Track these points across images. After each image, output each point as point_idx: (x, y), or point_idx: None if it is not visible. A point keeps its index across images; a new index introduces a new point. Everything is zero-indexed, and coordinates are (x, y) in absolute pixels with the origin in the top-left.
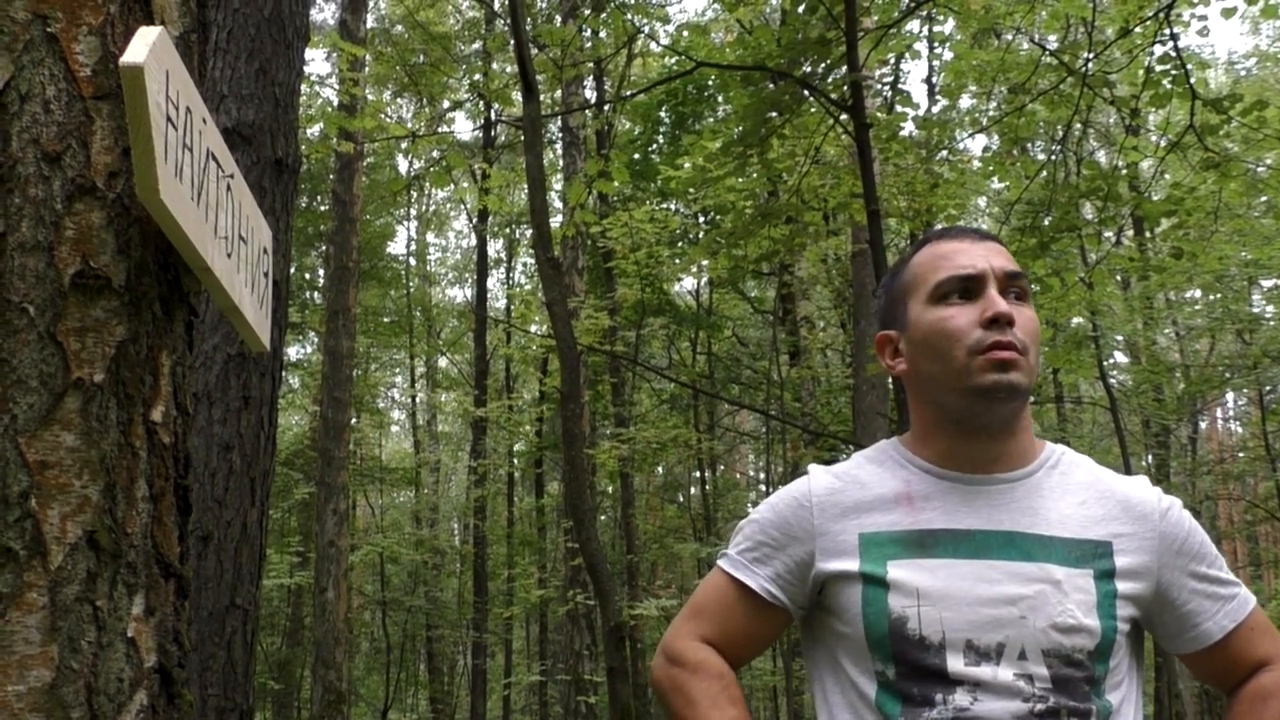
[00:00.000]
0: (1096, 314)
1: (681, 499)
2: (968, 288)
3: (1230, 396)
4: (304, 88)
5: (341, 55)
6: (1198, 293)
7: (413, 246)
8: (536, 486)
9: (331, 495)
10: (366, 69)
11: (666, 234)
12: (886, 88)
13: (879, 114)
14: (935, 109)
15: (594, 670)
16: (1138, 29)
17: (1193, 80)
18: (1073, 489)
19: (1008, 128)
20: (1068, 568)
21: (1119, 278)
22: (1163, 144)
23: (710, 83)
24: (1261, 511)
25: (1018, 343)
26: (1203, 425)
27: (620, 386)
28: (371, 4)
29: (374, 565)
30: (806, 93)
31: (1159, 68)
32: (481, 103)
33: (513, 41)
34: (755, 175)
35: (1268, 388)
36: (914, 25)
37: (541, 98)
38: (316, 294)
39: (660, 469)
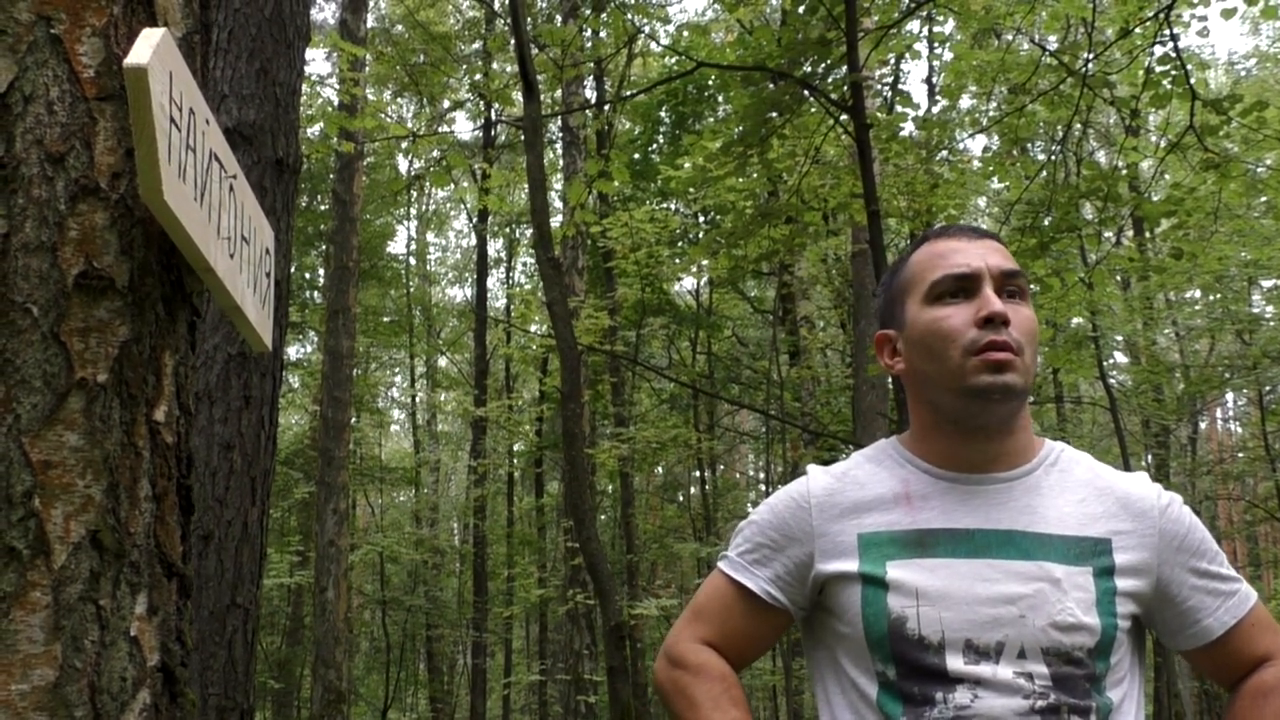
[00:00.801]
0: (1096, 314)
1: (681, 499)
2: (964, 287)
3: (1230, 397)
4: (304, 87)
5: (342, 55)
6: (1197, 293)
7: (413, 246)
8: (536, 486)
9: (331, 495)
10: (367, 69)
11: (666, 234)
12: (887, 88)
13: (879, 114)
14: (935, 109)
15: (594, 670)
16: (1138, 29)
17: (1193, 81)
18: (1072, 487)
19: (1008, 128)
20: (1067, 565)
21: (1119, 278)
22: (1163, 144)
23: (710, 83)
24: (1261, 512)
25: (1013, 342)
26: (1202, 425)
27: (620, 386)
28: (372, 4)
29: (374, 565)
30: (807, 93)
31: (1159, 68)
32: (482, 102)
33: (513, 41)
34: (755, 175)
35: (1267, 388)
36: (914, 25)
37: (542, 98)
38: (317, 293)
39: (660, 469)
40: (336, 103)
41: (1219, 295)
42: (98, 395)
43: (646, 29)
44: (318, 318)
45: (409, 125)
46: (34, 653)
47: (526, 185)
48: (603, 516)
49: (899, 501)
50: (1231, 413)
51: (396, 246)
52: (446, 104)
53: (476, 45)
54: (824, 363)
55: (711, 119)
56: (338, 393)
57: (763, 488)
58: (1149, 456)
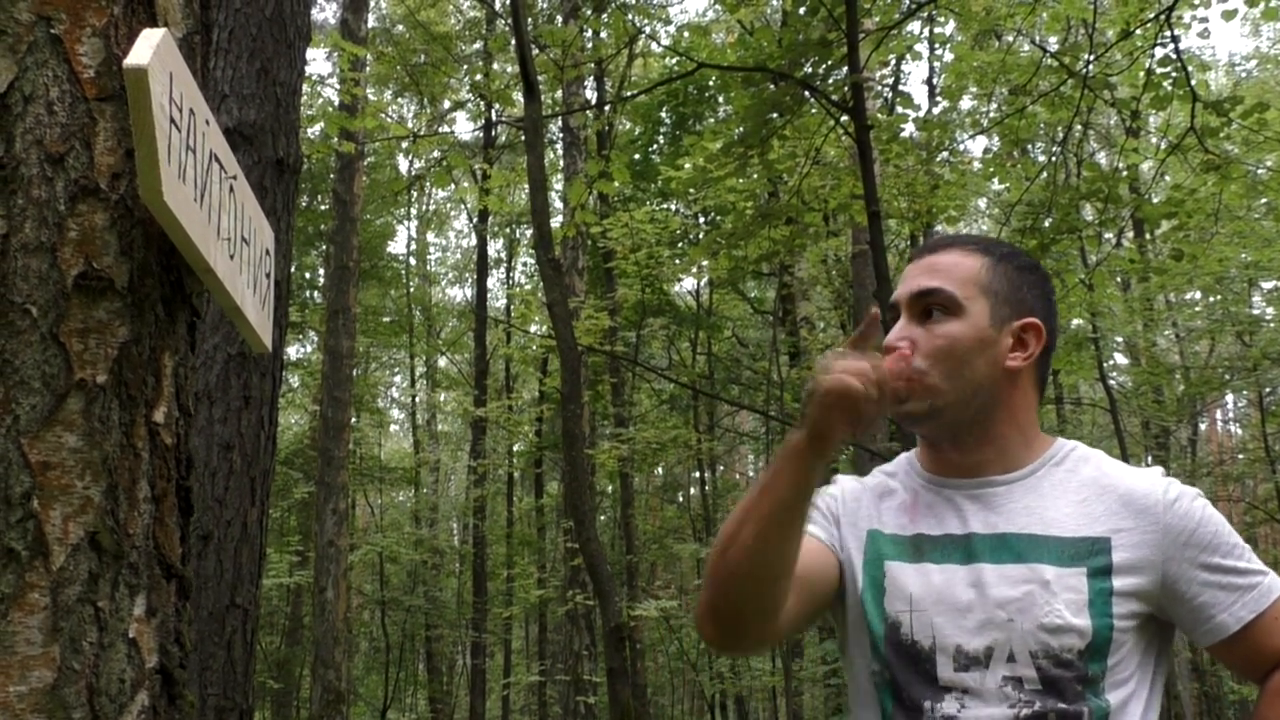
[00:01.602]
0: (1097, 315)
1: (681, 499)
2: (894, 316)
3: (1230, 398)
4: (305, 87)
5: (343, 55)
6: (1198, 294)
7: (413, 246)
8: (536, 486)
9: (331, 495)
10: (367, 69)
11: (667, 234)
12: (887, 89)
13: (880, 115)
14: (936, 110)
15: (593, 670)
16: (1138, 31)
17: (1193, 82)
18: (1075, 486)
19: (1008, 129)
20: (1059, 567)
21: (1119, 279)
22: (1163, 146)
23: (711, 83)
24: (1261, 513)
25: (908, 372)
26: (1202, 427)
27: (620, 387)
28: (373, 4)
29: (373, 565)
30: (807, 94)
31: (1160, 70)
32: (482, 103)
33: (514, 42)
34: (756, 176)
35: (1267, 390)
36: (915, 27)
37: (542, 98)
38: (317, 293)
39: (660, 469)
40: (337, 103)
41: (1219, 297)
42: (97, 396)
43: (647, 30)
44: (318, 318)
45: (409, 125)
46: (32, 654)
47: (527, 185)
48: (602, 517)
49: (904, 509)
50: (1231, 414)
51: (397, 246)
52: (447, 104)
53: (477, 45)
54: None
55: (712, 120)
56: (337, 393)
57: None
58: (1149, 458)
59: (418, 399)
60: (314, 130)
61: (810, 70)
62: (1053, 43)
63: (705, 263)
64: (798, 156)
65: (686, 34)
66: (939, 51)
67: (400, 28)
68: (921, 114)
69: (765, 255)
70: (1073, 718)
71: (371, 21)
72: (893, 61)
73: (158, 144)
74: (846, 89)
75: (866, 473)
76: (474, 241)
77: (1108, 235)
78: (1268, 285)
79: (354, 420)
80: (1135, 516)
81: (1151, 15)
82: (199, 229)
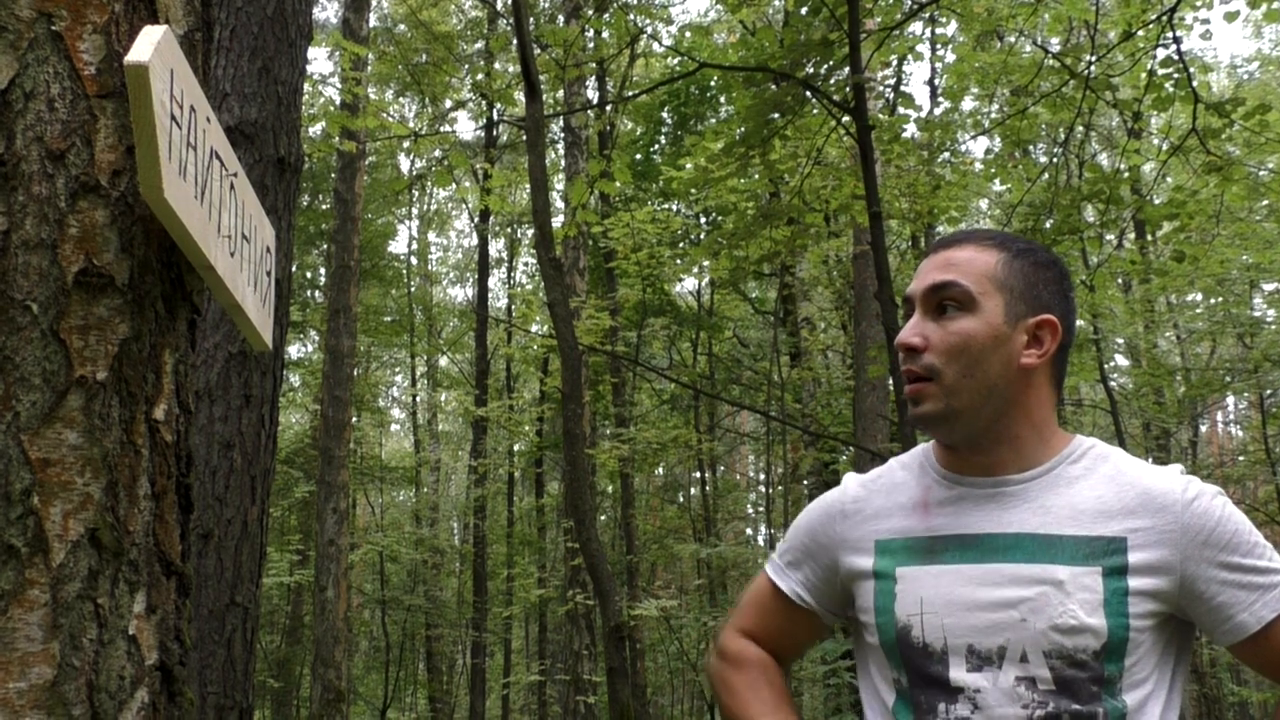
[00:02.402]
0: (1098, 317)
1: (681, 499)
2: (909, 310)
3: (1231, 400)
4: (306, 86)
5: (344, 54)
6: (1199, 296)
7: (414, 245)
8: (536, 486)
9: (332, 494)
10: (369, 68)
11: (668, 234)
12: (889, 89)
13: (881, 116)
14: (937, 111)
15: (593, 670)
16: (1140, 32)
17: (1195, 84)
18: (1092, 485)
19: (1010, 130)
20: (1073, 566)
21: (1120, 281)
22: (1165, 147)
23: (713, 84)
24: (1262, 515)
25: (923, 369)
26: (1203, 429)
27: (621, 387)
28: (374, 3)
29: (374, 564)
30: (809, 94)
31: (1161, 71)
32: (484, 102)
33: (515, 41)
34: (757, 176)
35: (1268, 392)
36: (917, 27)
37: (544, 98)
38: (318, 292)
39: (660, 469)
40: (338, 102)
41: (1220, 298)
42: (97, 393)
43: (649, 29)
44: (319, 317)
45: (411, 125)
46: (32, 651)
47: (528, 185)
48: (603, 517)
49: (916, 509)
50: (1232, 416)
51: (398, 246)
52: (448, 104)
53: (479, 45)
54: (825, 364)
55: (713, 120)
56: (338, 392)
57: (763, 489)
58: (1150, 459)
59: (418, 398)
60: (315, 129)
61: (812, 70)
62: (1054, 44)
63: (706, 263)
64: (799, 157)
65: (688, 34)
66: (941, 52)
67: (402, 27)
68: (923, 114)
69: (766, 256)
70: (1088, 718)
71: (373, 21)
72: (894, 62)
73: (158, 141)
74: (848, 89)
75: (866, 473)
76: (475, 241)
77: (1109, 236)
78: (1269, 287)
79: (355, 419)
80: (1153, 515)
81: (1153, 16)
82: (199, 226)
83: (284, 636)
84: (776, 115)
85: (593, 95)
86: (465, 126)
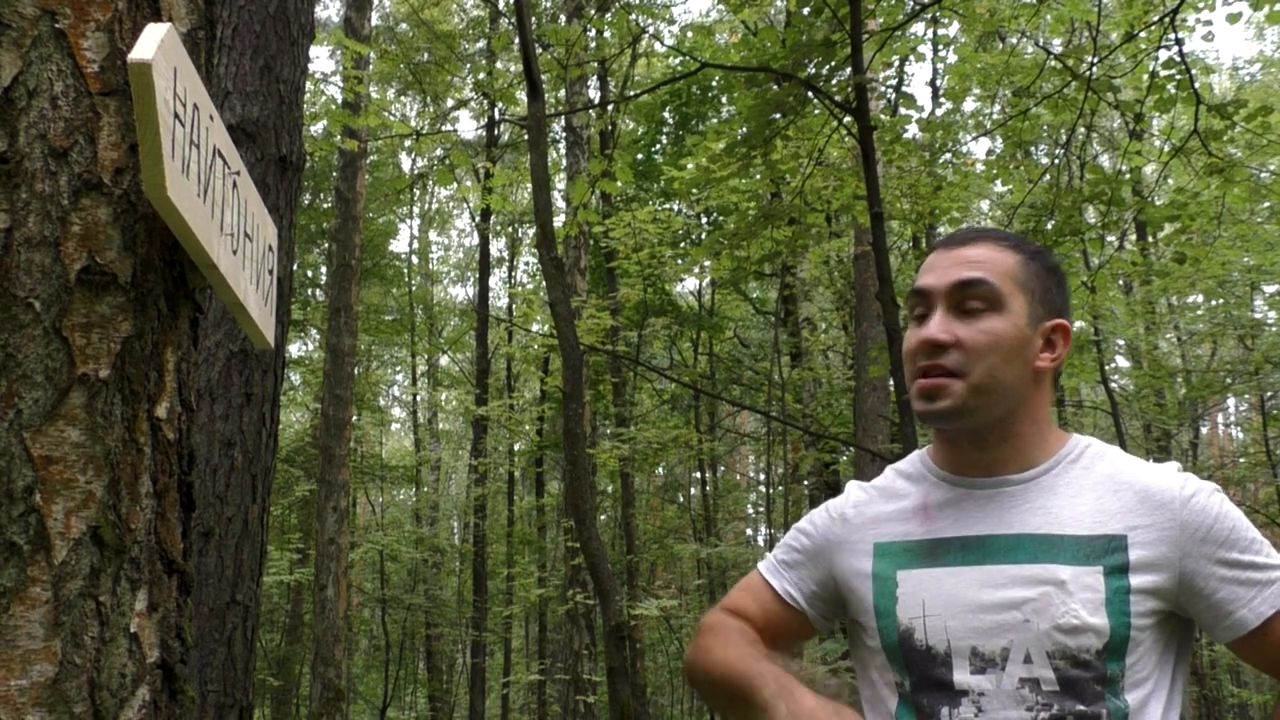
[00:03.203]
0: (1099, 318)
1: (682, 499)
2: (923, 306)
3: (1231, 402)
4: (308, 85)
5: (346, 53)
6: (1200, 298)
7: (415, 244)
8: (537, 486)
9: (332, 493)
10: (371, 67)
11: (669, 234)
12: (890, 90)
13: (883, 116)
14: (939, 112)
15: (593, 670)
16: (1142, 33)
17: (1197, 85)
18: (1091, 484)
19: (1011, 131)
20: (1075, 566)
21: (1121, 282)
22: (1166, 149)
23: (714, 84)
24: (1262, 517)
25: (952, 366)
26: (1204, 430)
27: (621, 386)
28: (376, 2)
29: (374, 563)
30: (810, 94)
31: (1163, 72)
32: (485, 101)
33: (518, 40)
34: (758, 176)
35: (1269, 393)
36: (919, 28)
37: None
38: (319, 291)
39: (661, 469)
40: (340, 100)
41: (1221, 300)
42: (99, 391)
43: (651, 29)
44: (320, 315)
45: (412, 124)
46: (33, 648)
47: (530, 184)
48: (603, 517)
49: (917, 513)
50: (1233, 418)
51: (399, 245)
52: (450, 103)
53: (480, 44)
54: (825, 364)
55: (715, 120)
56: (339, 390)
57: (763, 489)
58: (1150, 461)
59: (419, 397)
60: (317, 128)
61: (814, 71)
62: (1056, 45)
63: (707, 263)
64: (800, 157)
65: (690, 34)
66: (942, 53)
67: (404, 26)
68: (925, 115)
69: (767, 256)
70: (1092, 718)
71: (375, 20)
72: (896, 63)
73: (161, 139)
74: (850, 90)
75: (867, 475)
76: (476, 240)
77: (1110, 238)
78: (1270, 289)
79: (355, 418)
80: (1152, 513)
81: (1155, 18)
82: (202, 224)
83: (284, 635)
84: (778, 115)
85: (594, 95)
86: (467, 125)
